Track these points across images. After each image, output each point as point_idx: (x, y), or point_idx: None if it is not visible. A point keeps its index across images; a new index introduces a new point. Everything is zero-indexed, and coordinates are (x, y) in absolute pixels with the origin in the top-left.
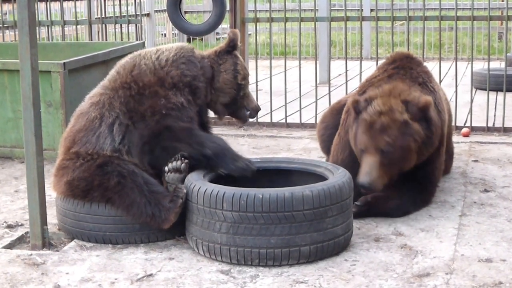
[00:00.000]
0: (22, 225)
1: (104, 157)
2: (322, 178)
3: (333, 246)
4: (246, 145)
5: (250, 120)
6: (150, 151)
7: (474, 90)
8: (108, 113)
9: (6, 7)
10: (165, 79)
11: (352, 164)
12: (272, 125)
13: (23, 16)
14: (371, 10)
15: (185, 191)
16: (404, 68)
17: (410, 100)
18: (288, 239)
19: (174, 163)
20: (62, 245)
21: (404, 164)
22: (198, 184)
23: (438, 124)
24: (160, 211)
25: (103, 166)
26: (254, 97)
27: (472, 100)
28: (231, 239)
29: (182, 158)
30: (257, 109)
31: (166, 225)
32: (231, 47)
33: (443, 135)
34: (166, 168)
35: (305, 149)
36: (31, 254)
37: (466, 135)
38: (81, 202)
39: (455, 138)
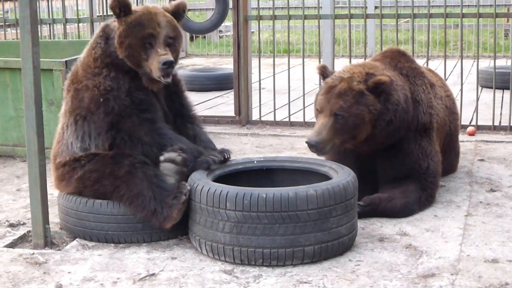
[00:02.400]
0: (24, 224)
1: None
2: (326, 177)
3: (337, 246)
4: (249, 144)
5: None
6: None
7: (480, 88)
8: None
9: (8, 5)
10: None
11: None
12: (275, 123)
13: (25, 14)
14: (376, 7)
15: (188, 187)
16: (393, 59)
17: (373, 73)
18: (292, 239)
19: (170, 153)
20: (64, 244)
21: (356, 132)
22: (201, 183)
23: (404, 107)
24: (163, 208)
25: (116, 156)
26: (257, 95)
27: (478, 99)
28: (234, 238)
29: (179, 151)
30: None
31: (168, 224)
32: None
33: (420, 126)
34: (162, 158)
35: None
36: (33, 253)
37: (471, 134)
38: (84, 201)
39: (460, 137)
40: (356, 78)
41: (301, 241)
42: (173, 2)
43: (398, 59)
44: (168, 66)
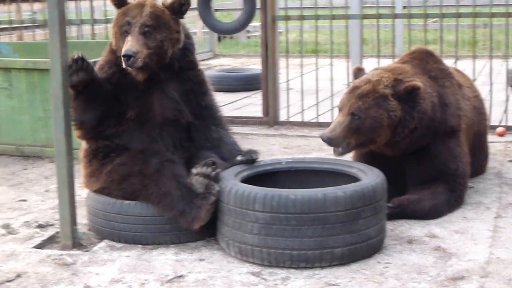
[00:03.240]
0: (52, 225)
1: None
2: (355, 178)
3: (366, 248)
4: (277, 144)
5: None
6: None
7: (509, 88)
8: None
9: (37, 6)
10: None
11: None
12: (303, 124)
13: (53, 15)
14: (404, 7)
15: (218, 188)
16: (421, 60)
17: (402, 79)
18: (321, 240)
19: (204, 168)
20: (92, 245)
21: (374, 136)
22: (230, 184)
23: (430, 115)
24: (191, 209)
25: (145, 152)
26: (285, 96)
27: (507, 99)
28: (262, 240)
29: (214, 166)
30: None
31: (196, 224)
32: None
33: (448, 129)
34: (194, 171)
35: None
36: (61, 254)
37: (501, 135)
38: (112, 201)
39: (490, 137)
40: (384, 82)
41: (329, 243)
42: None
43: (426, 61)
44: (127, 58)
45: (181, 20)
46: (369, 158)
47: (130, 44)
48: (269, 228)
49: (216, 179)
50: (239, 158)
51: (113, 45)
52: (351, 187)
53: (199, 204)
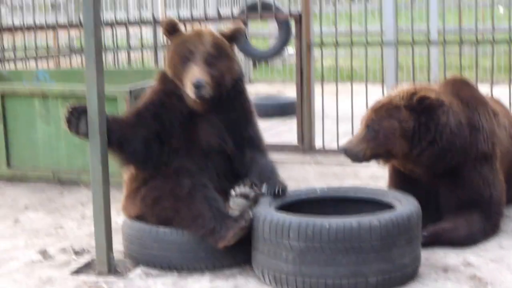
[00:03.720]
0: (88, 251)
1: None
2: (389, 207)
3: (400, 277)
4: (312, 172)
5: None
6: None
7: None
8: None
9: (74, 32)
10: None
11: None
12: (338, 151)
13: (90, 43)
14: (439, 33)
15: (251, 215)
16: (454, 87)
17: (417, 92)
18: (355, 269)
19: (244, 188)
20: (127, 272)
21: (389, 146)
22: (264, 213)
23: (453, 131)
24: (221, 227)
25: (177, 173)
26: (320, 123)
27: None
28: (297, 268)
29: (254, 187)
30: None
31: (221, 243)
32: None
33: (480, 154)
34: (233, 192)
35: (372, 176)
36: (97, 281)
37: None
38: (148, 228)
39: None
40: (401, 95)
41: (364, 271)
42: (230, 26)
43: (460, 88)
44: (198, 87)
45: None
46: (404, 183)
47: (198, 73)
48: (304, 256)
49: (255, 200)
50: (263, 189)
51: (170, 73)
52: (385, 216)
53: (230, 225)
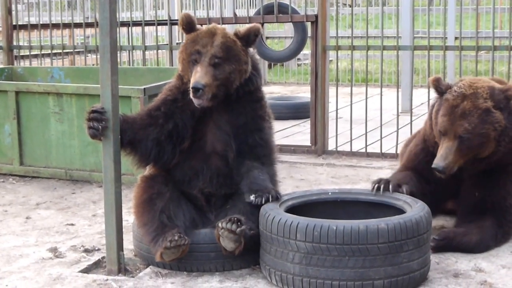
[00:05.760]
0: (99, 249)
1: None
2: (400, 211)
3: (408, 281)
4: (325, 174)
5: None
6: None
7: None
8: None
9: (89, 31)
10: None
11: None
12: (351, 154)
13: (105, 43)
14: (456, 38)
15: (185, 242)
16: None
17: (496, 87)
18: (362, 272)
19: (229, 224)
20: (137, 271)
21: (480, 151)
22: (273, 213)
23: None
24: (157, 241)
25: (150, 180)
26: (334, 125)
27: None
28: (304, 269)
29: (238, 223)
30: None
31: (156, 257)
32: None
33: None
34: (220, 224)
35: None
36: (107, 280)
37: None
38: None
39: None
40: (481, 94)
41: (370, 274)
42: (246, 26)
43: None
44: (196, 91)
45: (250, 50)
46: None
47: (199, 76)
48: (310, 257)
49: (242, 235)
50: (251, 198)
51: (180, 71)
52: (394, 219)
53: (159, 243)
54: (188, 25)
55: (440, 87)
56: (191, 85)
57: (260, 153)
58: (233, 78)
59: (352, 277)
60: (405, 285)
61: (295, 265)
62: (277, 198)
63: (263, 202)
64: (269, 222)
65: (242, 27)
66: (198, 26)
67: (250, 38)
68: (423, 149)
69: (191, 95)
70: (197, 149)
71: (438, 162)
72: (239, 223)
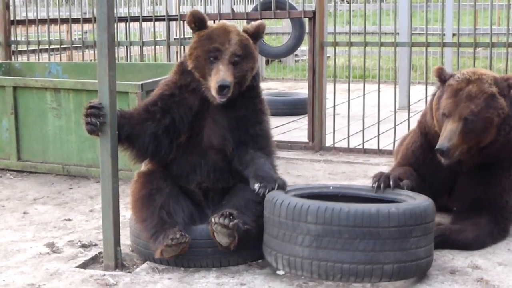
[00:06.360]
0: (96, 245)
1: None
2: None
3: (414, 268)
4: (322, 170)
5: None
6: None
7: None
8: None
9: (87, 26)
10: None
11: (422, 154)
12: (349, 150)
13: (103, 38)
14: (453, 34)
15: (186, 240)
16: None
17: (498, 76)
18: (372, 255)
19: (222, 219)
20: (134, 266)
21: (483, 136)
22: (282, 197)
23: None
24: (157, 238)
25: (148, 176)
26: (331, 121)
27: None
28: (313, 252)
29: (231, 217)
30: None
31: (156, 254)
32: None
33: None
34: (213, 220)
35: None
36: (104, 275)
37: None
38: None
39: None
40: (486, 80)
41: (380, 258)
42: (253, 23)
43: None
44: (223, 89)
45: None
46: (426, 163)
47: (224, 74)
48: (321, 240)
49: (235, 229)
50: (256, 186)
51: (192, 68)
52: (403, 205)
53: (160, 240)
54: (201, 22)
55: (443, 75)
56: (217, 83)
57: (262, 143)
58: (248, 76)
59: (363, 260)
60: (413, 271)
61: (304, 248)
62: (283, 187)
63: (266, 192)
64: (278, 206)
65: (250, 24)
66: (209, 23)
67: (259, 35)
68: (421, 145)
69: (214, 92)
70: (194, 144)
71: (443, 142)
72: (231, 217)
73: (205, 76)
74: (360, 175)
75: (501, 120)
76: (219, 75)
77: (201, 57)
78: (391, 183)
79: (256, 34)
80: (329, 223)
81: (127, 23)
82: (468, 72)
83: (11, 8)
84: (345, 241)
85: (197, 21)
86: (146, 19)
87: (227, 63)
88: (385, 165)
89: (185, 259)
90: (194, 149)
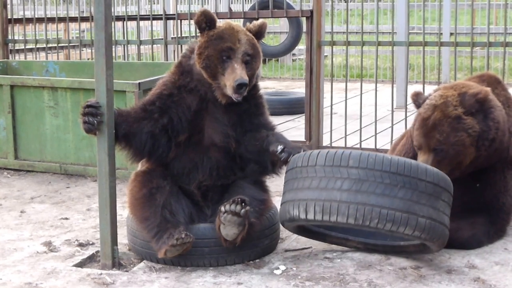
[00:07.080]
0: (93, 244)
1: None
2: None
3: (441, 232)
4: None
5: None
6: None
7: None
8: None
9: (84, 25)
10: None
11: None
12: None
13: (100, 37)
14: (451, 34)
15: (190, 240)
16: (490, 84)
17: (468, 92)
18: (409, 204)
19: (233, 206)
20: (131, 265)
21: (460, 159)
22: (317, 150)
23: (503, 128)
24: (161, 237)
25: (147, 175)
26: (328, 121)
27: None
28: (352, 195)
29: (243, 204)
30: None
31: (159, 254)
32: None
33: (510, 158)
34: (223, 208)
35: None
36: (100, 274)
37: None
38: None
39: None
40: (451, 102)
41: (416, 209)
42: (255, 22)
43: (495, 86)
44: (241, 87)
45: None
46: None
47: (241, 73)
48: (361, 184)
49: (246, 217)
50: (279, 147)
51: (201, 66)
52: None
53: (165, 240)
54: (212, 21)
55: (417, 101)
56: (236, 81)
57: (269, 128)
58: (256, 75)
59: (401, 207)
60: (439, 233)
61: (342, 192)
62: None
63: (291, 156)
64: (314, 156)
65: (252, 24)
66: (218, 23)
67: (262, 34)
68: (412, 157)
69: (231, 91)
70: (195, 142)
71: None
72: (243, 203)
73: (216, 75)
74: None
75: (474, 138)
76: (236, 74)
77: (213, 56)
78: None
79: (259, 33)
80: (372, 167)
81: (125, 22)
82: (435, 96)
83: (9, 6)
84: (386, 186)
85: (208, 21)
86: (144, 18)
87: (240, 62)
88: None
89: (182, 258)
90: (196, 147)
